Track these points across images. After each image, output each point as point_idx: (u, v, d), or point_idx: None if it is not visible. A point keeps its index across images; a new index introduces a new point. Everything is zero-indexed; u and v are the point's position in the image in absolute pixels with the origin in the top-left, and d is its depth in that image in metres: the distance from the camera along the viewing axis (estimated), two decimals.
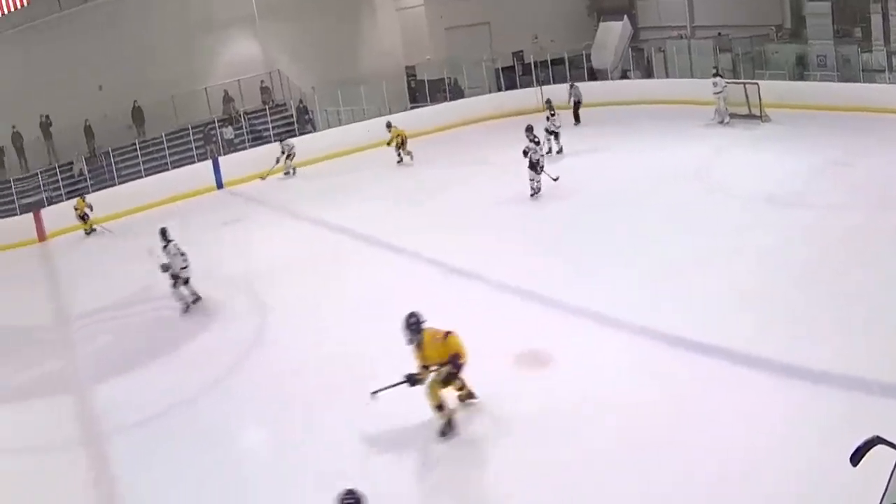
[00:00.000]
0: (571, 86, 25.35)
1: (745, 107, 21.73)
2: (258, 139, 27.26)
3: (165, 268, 14.26)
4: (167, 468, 9.41)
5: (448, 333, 8.53)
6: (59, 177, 25.50)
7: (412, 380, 8.59)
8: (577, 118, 24.60)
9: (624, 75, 27.98)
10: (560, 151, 21.16)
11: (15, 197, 25.07)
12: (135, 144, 26.18)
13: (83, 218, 22.60)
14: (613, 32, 27.94)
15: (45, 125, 26.04)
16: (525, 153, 17.01)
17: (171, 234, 14.62)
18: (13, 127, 25.68)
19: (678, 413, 8.40)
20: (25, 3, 24.10)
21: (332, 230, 18.25)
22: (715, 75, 22.13)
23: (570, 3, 31.10)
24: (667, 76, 26.39)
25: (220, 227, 20.80)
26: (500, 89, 28.50)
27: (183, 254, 14.26)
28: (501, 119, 25.46)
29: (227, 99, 27.60)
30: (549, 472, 7.87)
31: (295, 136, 26.35)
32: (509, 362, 10.03)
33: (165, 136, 26.22)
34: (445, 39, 30.34)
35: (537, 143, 17.24)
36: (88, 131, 26.18)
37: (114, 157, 25.86)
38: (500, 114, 26.11)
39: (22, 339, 15.26)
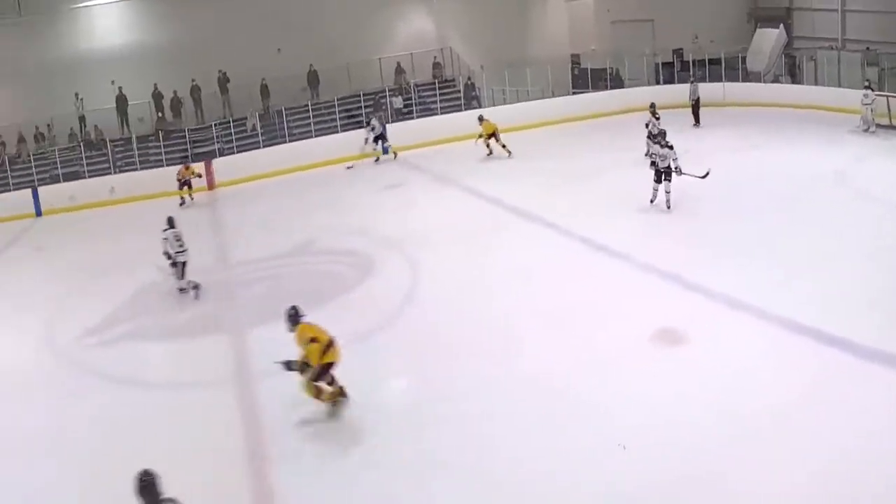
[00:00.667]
0: (692, 83, 25.02)
1: (888, 118, 22.03)
2: (426, 111, 27.67)
3: (168, 255, 14.51)
4: (311, 412, 9.58)
5: (312, 340, 8.99)
6: (233, 130, 26.52)
7: (288, 366, 9.34)
8: (696, 118, 24.24)
9: (775, 80, 27.95)
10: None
11: (189, 146, 26.24)
12: (307, 106, 27.02)
13: (187, 184, 22.94)
14: (769, 39, 28.22)
15: (223, 81, 27.25)
16: (652, 163, 15.43)
17: (176, 224, 14.92)
18: (193, 80, 27.01)
19: (804, 400, 8.45)
20: None
21: (488, 201, 18.39)
22: (866, 87, 22.13)
23: (730, 8, 31.51)
24: (816, 84, 26.27)
25: (382, 189, 21.29)
26: (658, 83, 28.62)
27: (179, 240, 14.48)
28: (662, 109, 25.40)
29: (399, 70, 28.22)
30: (670, 445, 7.85)
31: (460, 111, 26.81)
32: (645, 337, 10.18)
33: (337, 100, 26.96)
34: (611, 32, 30.77)
35: (671, 148, 15.24)
36: (264, 90, 27.21)
37: (286, 116, 26.76)
38: (661, 105, 26.13)
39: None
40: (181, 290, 14.64)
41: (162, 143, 26.37)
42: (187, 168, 23.02)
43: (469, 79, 28.49)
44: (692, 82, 25.12)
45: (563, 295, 12.05)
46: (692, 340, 9.96)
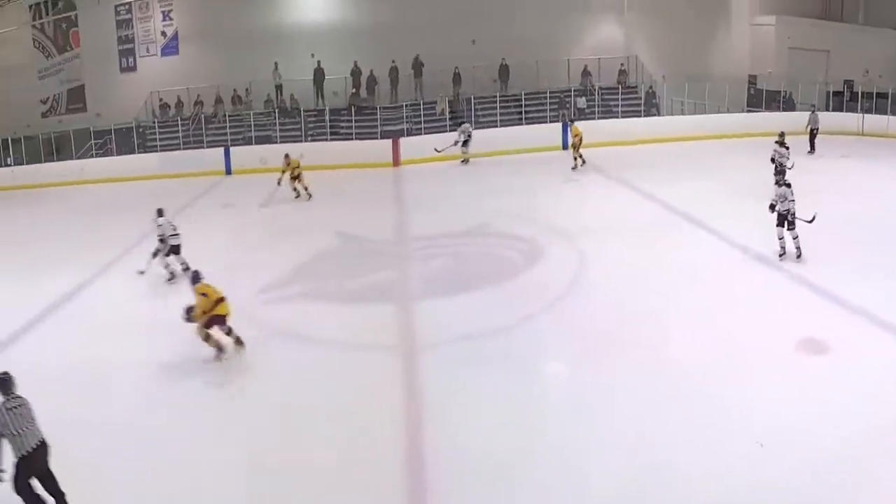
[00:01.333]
0: (812, 111, 25.21)
1: None
2: (608, 113, 28.51)
3: (162, 239, 14.88)
4: (469, 386, 9.99)
5: (203, 294, 10.61)
6: (422, 113, 27.75)
7: (186, 314, 10.68)
8: (812, 146, 24.10)
9: None
10: None
11: (379, 123, 27.53)
12: (495, 97, 28.13)
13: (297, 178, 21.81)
14: None
15: (418, 65, 28.52)
16: (772, 206, 13.62)
17: (167, 213, 15.32)
18: (392, 61, 28.35)
19: None
20: None
21: (657, 203, 18.60)
22: None
23: None
24: None
25: (560, 183, 21.90)
26: (827, 110, 28.98)
27: (172, 225, 14.92)
28: (822, 135, 25.59)
29: (586, 73, 29.16)
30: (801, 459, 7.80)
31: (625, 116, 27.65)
32: (789, 344, 10.26)
33: (525, 94, 28.01)
34: (788, 57, 31.32)
35: (789, 186, 13.64)
36: (456, 78, 28.41)
37: (475, 104, 27.90)
38: (823, 130, 26.61)
39: (366, 249, 16.76)
40: (172, 275, 14.80)
41: (353, 118, 27.68)
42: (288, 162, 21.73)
43: (651, 87, 29.29)
44: (812, 111, 24.99)
45: (716, 296, 12.30)
46: (834, 351, 9.99)
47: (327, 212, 20.13)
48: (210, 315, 10.76)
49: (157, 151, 28.09)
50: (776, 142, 18.51)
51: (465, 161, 24.82)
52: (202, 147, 27.73)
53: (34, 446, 6.98)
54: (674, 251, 14.72)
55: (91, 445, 8.76)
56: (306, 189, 21.33)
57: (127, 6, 30.53)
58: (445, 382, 10.19)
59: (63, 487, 7.27)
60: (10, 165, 28.59)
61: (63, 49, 31.63)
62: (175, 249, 14.77)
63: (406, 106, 27.79)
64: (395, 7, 28.52)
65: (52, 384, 10.17)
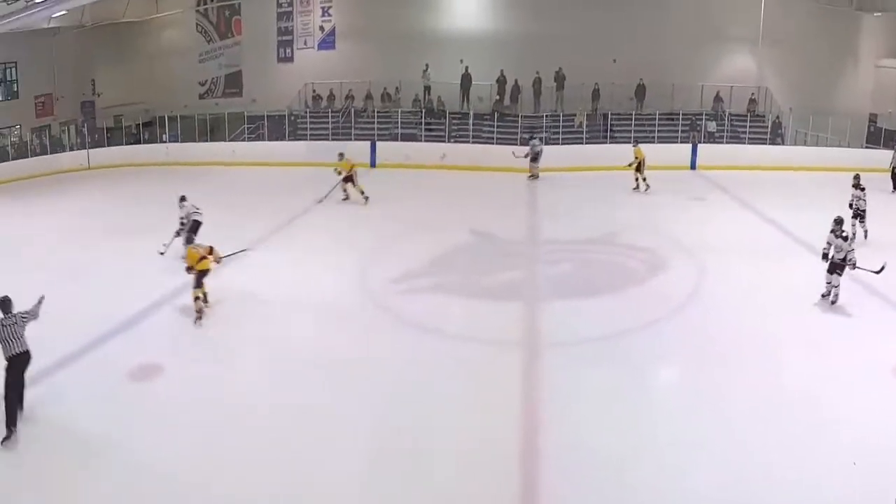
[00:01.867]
0: (895, 149, 25.65)
1: None
2: (735, 139, 30.28)
3: (183, 222, 16.80)
4: (588, 384, 10.79)
5: (192, 251, 13.48)
6: (561, 124, 29.82)
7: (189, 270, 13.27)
8: (894, 185, 24.74)
9: None
10: (866, 236, 18.06)
11: (520, 130, 29.62)
12: (631, 114, 30.11)
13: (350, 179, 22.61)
14: None
15: (560, 78, 30.57)
16: (825, 255, 13.86)
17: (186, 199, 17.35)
18: (537, 72, 30.46)
19: None
20: None
21: (778, 228, 19.40)
22: None
23: None
24: None
25: (687, 201, 23.37)
26: None
27: (195, 207, 16.93)
28: None
29: (718, 98, 30.98)
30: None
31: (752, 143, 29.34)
32: (889, 371, 11.06)
33: (659, 114, 29.95)
34: None
35: (845, 239, 13.78)
36: (595, 93, 30.42)
37: (611, 120, 29.92)
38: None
39: (499, 248, 18.24)
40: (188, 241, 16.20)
41: (496, 124, 29.79)
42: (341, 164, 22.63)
43: (777, 117, 30.96)
44: (895, 149, 25.84)
45: (826, 321, 13.13)
46: None
47: (464, 210, 21.78)
48: (198, 270, 13.11)
49: (306, 140, 30.49)
50: (853, 185, 18.24)
51: (534, 177, 26.44)
52: (349, 139, 29.82)
53: (16, 353, 9.32)
54: (788, 274, 15.63)
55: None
56: (362, 193, 22.13)
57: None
58: (565, 380, 10.98)
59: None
60: (165, 142, 31.14)
61: (224, 35, 34.21)
62: (195, 227, 16.56)
63: (546, 116, 29.78)
64: (543, 22, 30.50)
65: (196, 349, 12.19)
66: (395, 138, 30.03)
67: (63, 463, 9.02)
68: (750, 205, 22.15)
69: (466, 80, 30.75)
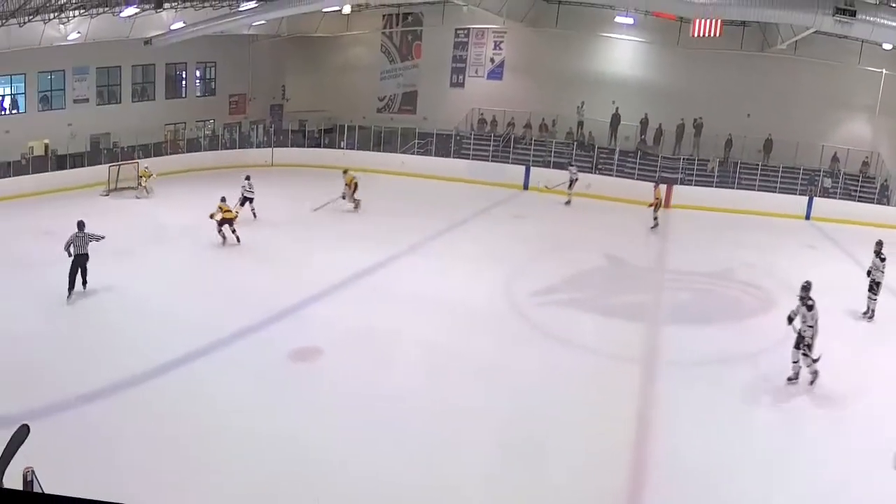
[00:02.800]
0: None
1: None
2: (848, 196, 35.10)
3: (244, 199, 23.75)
4: (695, 403, 11.95)
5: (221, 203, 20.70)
6: (696, 167, 35.14)
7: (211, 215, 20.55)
8: None
9: None
10: (872, 314, 17.80)
11: (659, 169, 34.98)
12: (758, 165, 35.28)
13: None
14: None
15: (698, 126, 35.88)
16: (789, 318, 13.31)
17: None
18: (681, 119, 35.78)
19: None
20: (717, 34, 33.96)
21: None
22: None
23: None
24: None
25: (799, 247, 26.12)
26: None
27: (251, 189, 23.69)
28: None
29: (835, 159, 35.59)
30: None
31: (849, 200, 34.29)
32: None
33: (782, 167, 35.01)
34: None
35: (810, 308, 13.07)
36: (728, 143, 35.55)
37: (740, 168, 35.19)
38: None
39: (627, 272, 20.84)
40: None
41: (638, 161, 35.25)
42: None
43: (886, 180, 35.82)
44: None
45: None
46: None
47: (602, 235, 24.84)
48: (223, 218, 20.18)
49: (468, 159, 36.02)
50: (874, 251, 17.63)
51: (568, 202, 30.58)
52: (507, 162, 35.41)
53: (80, 254, 15.90)
54: (883, 319, 17.17)
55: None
56: (357, 201, 26.56)
57: (466, 31, 38.75)
58: (676, 397, 12.19)
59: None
60: (342, 148, 37.10)
61: (405, 57, 40.22)
62: (244, 201, 23.47)
63: (683, 159, 35.00)
64: (687, 74, 35.56)
65: (339, 343, 13.76)
66: (547, 165, 35.32)
67: (222, 437, 10.66)
68: (854, 256, 23.60)
69: (616, 119, 35.87)
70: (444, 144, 36.53)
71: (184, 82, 39.21)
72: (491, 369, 13.16)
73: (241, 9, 31.45)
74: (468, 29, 38.80)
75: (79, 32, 31.65)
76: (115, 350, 13.59)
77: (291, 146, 37.54)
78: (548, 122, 36.99)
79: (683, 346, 14.81)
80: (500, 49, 38.56)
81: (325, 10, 35.92)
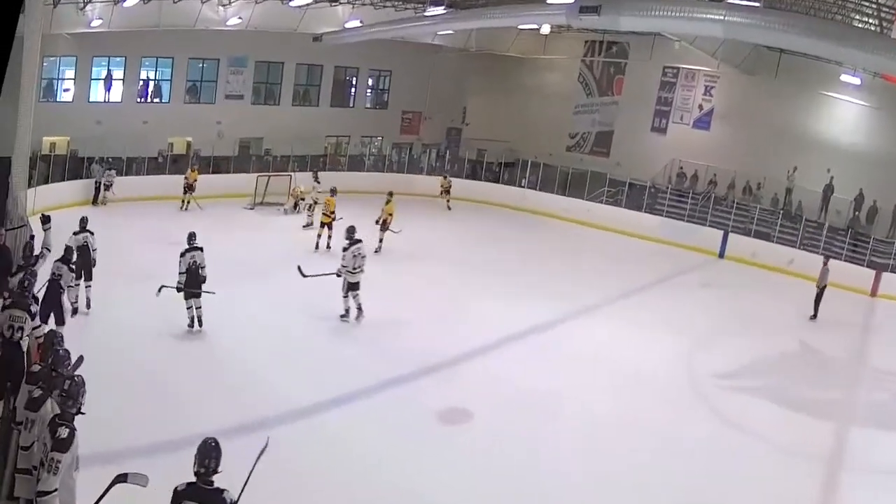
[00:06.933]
0: None
1: None
2: None
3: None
4: None
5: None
6: None
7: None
8: None
9: None
10: None
11: (869, 252, 34.42)
12: None
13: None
14: None
15: None
16: None
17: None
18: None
19: None
20: None
21: None
22: None
23: None
24: None
25: None
26: None
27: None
28: None
29: None
30: None
31: None
32: None
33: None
34: None
35: None
36: None
37: None
38: None
39: (821, 363, 21.79)
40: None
41: (847, 240, 35.07)
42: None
43: None
44: None
45: None
46: None
47: (797, 318, 25.21)
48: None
49: (661, 215, 36.97)
50: None
51: None
52: (703, 224, 35.93)
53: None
54: None
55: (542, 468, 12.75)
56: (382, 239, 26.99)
57: (675, 71, 39.66)
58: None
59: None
60: (523, 187, 39.07)
61: (604, 92, 41.67)
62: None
63: None
64: None
65: (494, 404, 14.75)
66: (747, 234, 35.67)
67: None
68: None
69: (829, 190, 35.91)
70: (637, 196, 36.68)
71: (353, 90, 41.30)
72: (658, 447, 14.12)
73: (427, 14, 31.65)
74: (678, 69, 39.24)
75: (240, 18, 33.20)
76: (241, 387, 14.66)
77: (465, 177, 39.10)
78: (752, 184, 37.42)
79: (876, 452, 15.29)
80: (711, 95, 39.03)
81: (521, 27, 37.72)
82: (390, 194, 27.21)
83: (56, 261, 15.24)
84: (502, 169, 39.90)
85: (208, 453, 6.71)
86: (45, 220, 15.49)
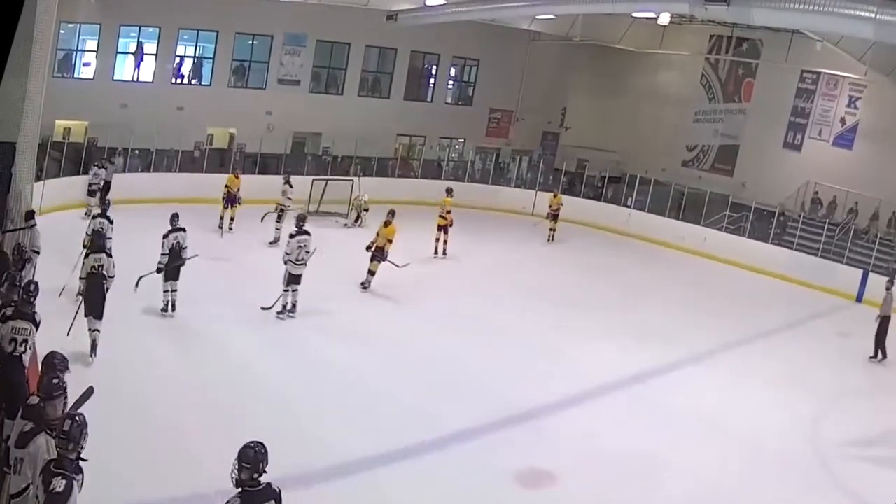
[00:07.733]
0: None
1: None
2: None
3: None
4: None
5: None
6: None
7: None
8: None
9: None
10: None
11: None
12: None
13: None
14: None
15: None
16: None
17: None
18: None
19: None
20: None
21: None
22: None
23: None
24: None
25: None
26: None
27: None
28: None
29: None
30: None
31: None
32: None
33: None
34: None
35: None
36: None
37: None
38: None
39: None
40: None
41: None
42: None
43: None
44: None
45: None
46: None
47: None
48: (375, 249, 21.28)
49: (791, 248, 32.35)
50: None
51: None
52: (840, 262, 31.29)
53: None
54: None
55: None
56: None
57: (814, 76, 34.71)
58: None
59: None
60: (629, 207, 34.67)
61: (730, 97, 37.12)
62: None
63: None
64: None
65: (583, 465, 13.90)
66: (892, 275, 31.39)
67: None
68: None
69: None
70: (763, 224, 33.00)
71: (432, 81, 37.38)
72: None
73: None
74: (818, 74, 34.73)
75: None
76: (286, 433, 12.96)
77: (562, 193, 34.10)
78: None
79: None
80: (856, 108, 34.15)
81: (636, 14, 33.83)
82: (391, 214, 22.69)
83: (95, 252, 15.06)
84: (606, 184, 36.58)
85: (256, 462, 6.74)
86: (29, 216, 15.26)
